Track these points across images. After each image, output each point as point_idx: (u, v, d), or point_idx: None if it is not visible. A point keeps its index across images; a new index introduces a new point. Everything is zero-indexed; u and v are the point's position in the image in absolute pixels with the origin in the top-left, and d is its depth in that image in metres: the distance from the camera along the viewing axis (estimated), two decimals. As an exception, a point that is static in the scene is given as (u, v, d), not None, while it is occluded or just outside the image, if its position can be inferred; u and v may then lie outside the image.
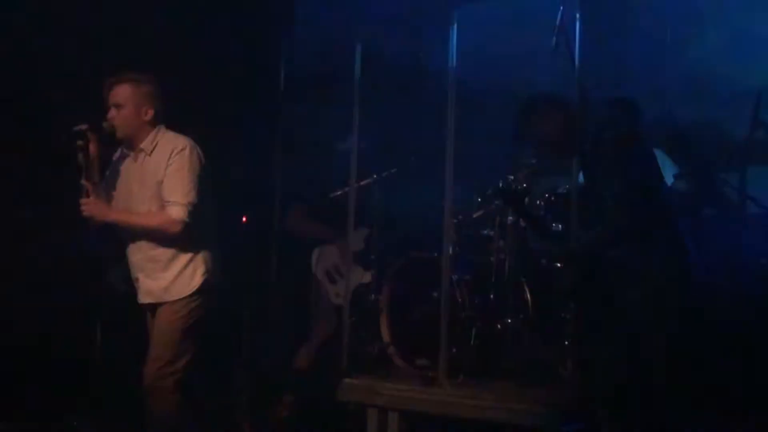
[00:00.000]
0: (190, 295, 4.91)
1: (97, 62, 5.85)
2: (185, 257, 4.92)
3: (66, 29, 6.25)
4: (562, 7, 5.52)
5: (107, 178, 5.06)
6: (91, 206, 4.84)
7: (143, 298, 5.03)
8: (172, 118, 5.04)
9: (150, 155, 4.94)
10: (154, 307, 5.00)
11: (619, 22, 6.78)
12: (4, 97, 6.27)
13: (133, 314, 5.26)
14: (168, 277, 4.91)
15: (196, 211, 4.86)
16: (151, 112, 4.95)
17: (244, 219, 7.17)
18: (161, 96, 5.00)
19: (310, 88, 6.99)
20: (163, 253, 4.92)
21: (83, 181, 4.81)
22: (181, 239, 4.88)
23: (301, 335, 6.76)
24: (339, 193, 6.30)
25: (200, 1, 6.71)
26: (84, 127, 4.83)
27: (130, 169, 5.02)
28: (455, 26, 5.59)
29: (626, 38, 6.82)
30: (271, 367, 6.27)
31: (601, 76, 6.30)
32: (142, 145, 4.95)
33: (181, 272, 4.91)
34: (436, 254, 5.79)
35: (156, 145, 4.94)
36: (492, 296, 5.81)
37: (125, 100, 4.92)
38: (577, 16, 5.37)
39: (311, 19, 6.56)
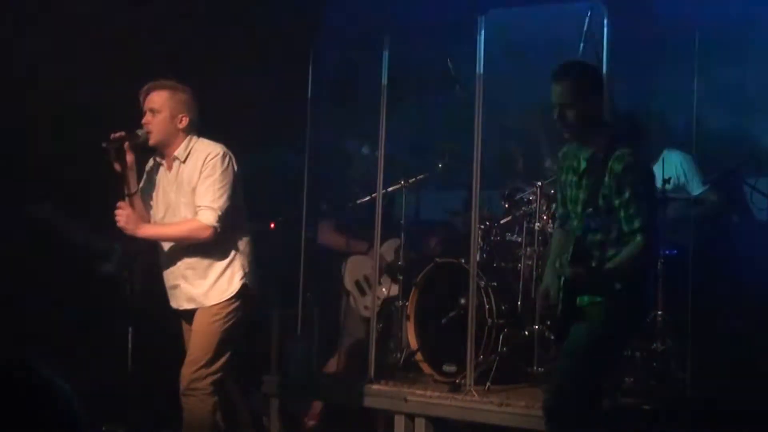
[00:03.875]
0: (228, 299, 4.92)
1: (131, 70, 5.88)
2: (223, 263, 4.93)
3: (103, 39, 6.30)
4: (590, 13, 5.53)
5: (142, 188, 5.06)
6: (124, 218, 4.87)
7: (184, 305, 5.02)
8: (205, 126, 5.05)
9: (184, 163, 4.93)
10: (190, 313, 5.01)
11: (647, 27, 6.75)
12: (38, 106, 6.32)
13: (163, 319, 5.29)
14: (207, 283, 4.92)
15: (226, 216, 4.85)
16: (186, 120, 4.92)
17: (272, 225, 7.19)
18: (197, 105, 4.99)
19: (337, 95, 7.00)
20: (201, 260, 4.93)
21: (121, 202, 4.84)
22: (215, 245, 4.89)
23: (331, 344, 6.74)
24: (367, 198, 6.27)
25: (229, 10, 6.74)
26: (121, 134, 4.84)
27: (165, 178, 5.02)
28: (482, 33, 5.59)
29: (654, 43, 6.79)
30: (301, 374, 6.26)
31: (628, 81, 6.29)
32: (176, 153, 4.94)
33: (219, 277, 4.92)
34: (463, 261, 5.79)
35: (190, 152, 4.93)
36: (519, 303, 5.79)
37: (161, 106, 4.91)
38: (605, 22, 5.38)
39: (338, 26, 6.57)
